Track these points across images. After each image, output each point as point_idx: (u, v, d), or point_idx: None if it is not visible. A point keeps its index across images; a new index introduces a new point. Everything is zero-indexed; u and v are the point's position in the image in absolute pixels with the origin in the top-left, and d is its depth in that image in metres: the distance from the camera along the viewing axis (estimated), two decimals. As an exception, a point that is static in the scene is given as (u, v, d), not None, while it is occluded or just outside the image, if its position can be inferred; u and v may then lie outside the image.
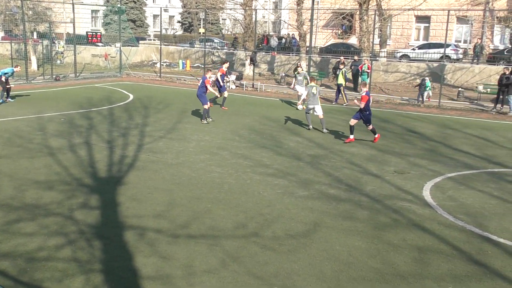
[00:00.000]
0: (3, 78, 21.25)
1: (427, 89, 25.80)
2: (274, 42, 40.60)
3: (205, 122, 18.35)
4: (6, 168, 11.87)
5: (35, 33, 35.74)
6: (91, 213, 9.32)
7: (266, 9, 50.36)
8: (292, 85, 25.05)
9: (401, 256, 8.00)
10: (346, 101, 24.38)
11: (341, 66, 25.79)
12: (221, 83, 21.86)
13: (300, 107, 21.96)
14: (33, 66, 34.78)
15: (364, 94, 15.56)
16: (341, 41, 41.22)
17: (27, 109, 19.84)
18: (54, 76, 30.37)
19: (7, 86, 21.60)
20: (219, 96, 21.75)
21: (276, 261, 7.68)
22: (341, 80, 24.82)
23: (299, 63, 27.51)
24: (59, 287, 6.72)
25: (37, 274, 7.04)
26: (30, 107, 20.34)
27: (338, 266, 7.61)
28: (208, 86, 18.73)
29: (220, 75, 21.94)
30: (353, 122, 15.85)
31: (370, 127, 15.80)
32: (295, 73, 23.86)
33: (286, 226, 9.05)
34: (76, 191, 10.52)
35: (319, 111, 17.41)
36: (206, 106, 18.48)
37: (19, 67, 21.76)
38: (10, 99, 21.68)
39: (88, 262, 7.44)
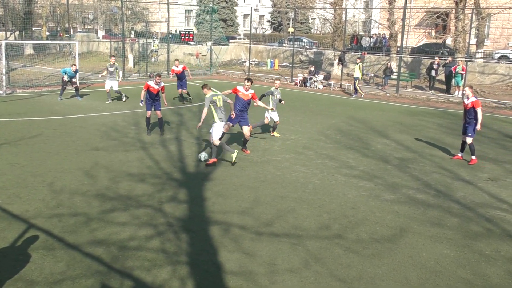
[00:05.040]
0: (65, 78, 21.31)
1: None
2: (365, 42, 39.85)
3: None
4: (103, 160, 12.56)
5: (132, 32, 37.44)
6: (179, 207, 9.65)
7: (356, 8, 49.57)
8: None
9: (493, 268, 7.60)
10: (358, 93, 26.14)
11: (358, 61, 26.82)
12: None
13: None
14: (130, 63, 36.50)
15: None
16: (434, 41, 39.75)
17: (123, 104, 20.89)
18: (148, 74, 31.70)
19: (74, 86, 21.87)
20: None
21: (359, 265, 7.56)
22: (357, 74, 26.11)
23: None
24: (148, 276, 7.01)
25: (128, 262, 7.39)
26: (126, 103, 21.39)
27: (424, 273, 7.36)
28: None
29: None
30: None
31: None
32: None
33: (371, 230, 8.88)
34: (165, 184, 10.93)
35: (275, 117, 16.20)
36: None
37: (74, 66, 21.81)
38: (78, 98, 21.86)
39: (175, 254, 7.70)
